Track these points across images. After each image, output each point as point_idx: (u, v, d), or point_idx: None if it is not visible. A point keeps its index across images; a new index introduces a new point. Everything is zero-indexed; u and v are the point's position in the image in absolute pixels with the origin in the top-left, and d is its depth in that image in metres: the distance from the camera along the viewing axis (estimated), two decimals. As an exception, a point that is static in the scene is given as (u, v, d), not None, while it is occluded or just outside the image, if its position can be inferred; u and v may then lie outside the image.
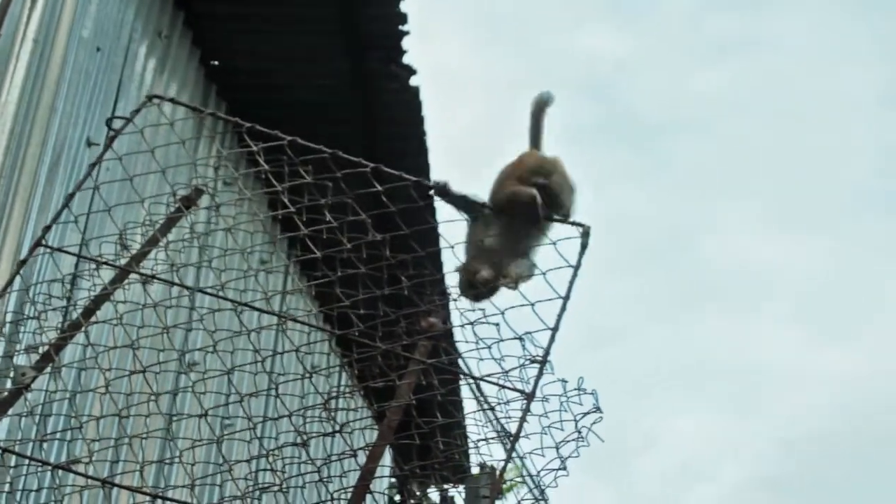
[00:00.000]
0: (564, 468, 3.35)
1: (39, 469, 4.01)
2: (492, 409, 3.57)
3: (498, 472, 3.68)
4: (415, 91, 6.57)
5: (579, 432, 3.42)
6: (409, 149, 6.77)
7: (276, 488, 3.54)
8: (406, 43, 6.41)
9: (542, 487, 3.35)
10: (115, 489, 3.68)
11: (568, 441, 3.41)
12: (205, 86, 6.64)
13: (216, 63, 6.74)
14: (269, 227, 4.48)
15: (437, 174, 6.87)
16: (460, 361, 3.87)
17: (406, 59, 6.51)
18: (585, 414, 3.48)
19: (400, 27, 6.35)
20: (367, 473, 3.54)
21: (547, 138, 4.04)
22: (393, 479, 7.59)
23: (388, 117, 6.75)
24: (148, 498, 3.75)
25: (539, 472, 3.36)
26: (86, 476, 3.62)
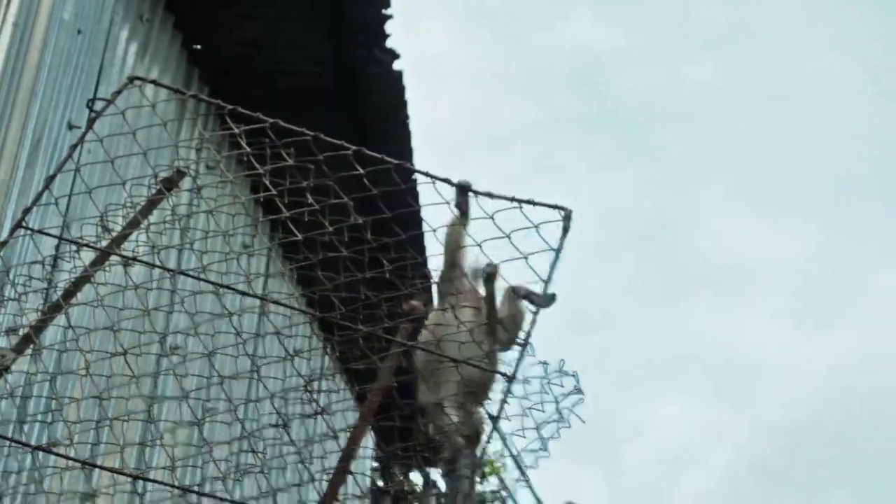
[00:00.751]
0: (545, 449, 3.38)
1: (20, 451, 4.02)
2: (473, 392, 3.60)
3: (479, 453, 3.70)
4: (398, 75, 6.57)
5: (560, 413, 3.46)
6: (392, 133, 6.78)
7: (256, 470, 3.55)
8: (389, 27, 6.40)
9: (524, 468, 3.38)
10: (97, 471, 3.70)
11: (549, 422, 3.45)
12: (187, 70, 6.63)
13: (198, 47, 6.73)
14: (251, 211, 4.48)
15: (420, 160, 6.90)
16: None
17: (389, 44, 6.51)
18: (567, 395, 3.52)
19: (383, 11, 6.35)
20: (348, 455, 3.56)
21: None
22: (375, 464, 7.61)
23: (372, 101, 6.75)
24: (129, 479, 3.76)
25: (519, 452, 3.39)
26: (66, 457, 3.63)
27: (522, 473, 3.50)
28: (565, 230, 3.62)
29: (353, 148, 3.67)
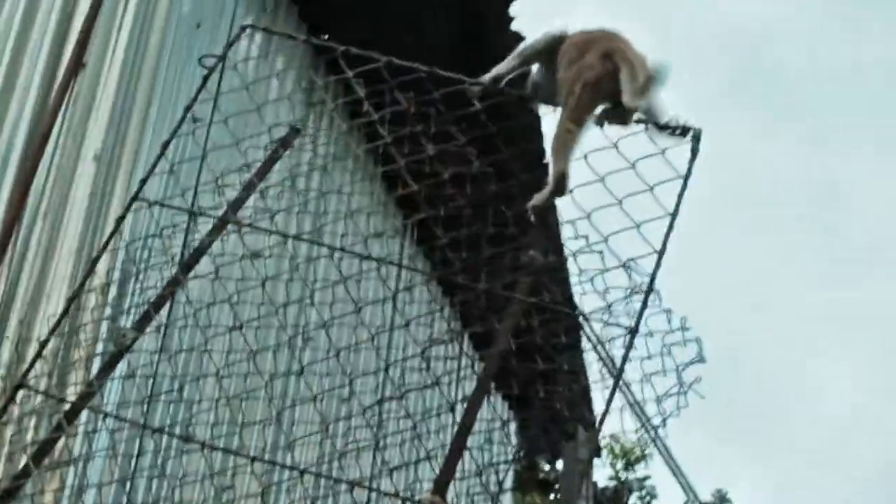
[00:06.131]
0: (664, 424, 3.17)
1: (146, 434, 4.08)
2: (596, 346, 3.41)
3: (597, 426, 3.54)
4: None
5: (681, 385, 3.24)
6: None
7: (372, 447, 3.52)
8: (514, 10, 6.34)
9: (637, 455, 3.21)
10: (217, 452, 3.72)
11: (670, 395, 3.24)
12: (313, 59, 6.70)
13: (326, 37, 6.79)
14: (366, 164, 4.36)
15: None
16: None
17: (515, 27, 6.44)
18: (688, 364, 3.29)
19: (509, -4, 6.30)
20: (465, 429, 3.47)
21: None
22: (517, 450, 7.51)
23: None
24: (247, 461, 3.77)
25: (637, 434, 3.19)
26: (187, 439, 3.66)
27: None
28: (694, 153, 3.34)
29: (470, 81, 3.54)
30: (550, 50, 3.56)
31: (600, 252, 3.24)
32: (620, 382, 3.29)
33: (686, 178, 3.24)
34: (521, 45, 3.65)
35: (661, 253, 3.19)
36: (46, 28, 4.98)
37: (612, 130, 3.40)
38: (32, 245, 4.69)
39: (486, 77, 3.59)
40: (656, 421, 3.27)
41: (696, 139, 3.28)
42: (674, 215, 3.20)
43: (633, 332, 3.17)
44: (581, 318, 3.32)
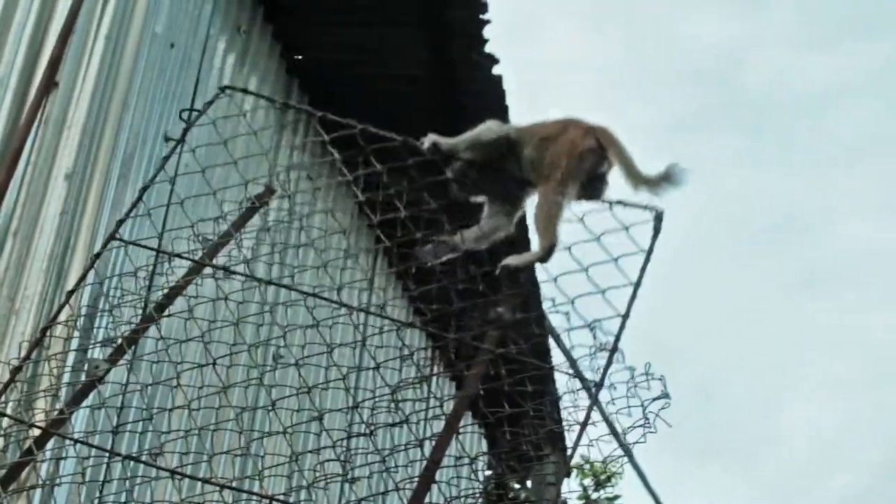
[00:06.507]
0: (629, 453, 3.38)
1: (115, 460, 4.12)
2: (559, 399, 3.59)
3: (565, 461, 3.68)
4: (498, 80, 6.58)
5: (646, 418, 3.44)
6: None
7: (341, 478, 3.59)
8: (488, 32, 6.42)
9: (607, 474, 3.37)
10: (186, 480, 3.77)
11: (635, 426, 3.44)
12: (286, 80, 6.76)
13: (299, 57, 6.84)
14: (350, 219, 4.50)
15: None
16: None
17: (490, 49, 6.52)
18: (654, 399, 3.50)
19: (481, 16, 6.37)
20: (433, 463, 3.57)
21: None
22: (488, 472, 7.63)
23: (472, 107, 6.76)
24: (217, 489, 3.82)
25: (605, 458, 3.40)
26: (156, 466, 3.71)
27: (608, 479, 3.48)
28: (656, 231, 3.63)
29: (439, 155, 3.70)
30: (499, 145, 3.74)
31: (566, 313, 3.52)
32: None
33: (648, 253, 3.51)
34: (477, 130, 3.82)
35: (624, 317, 3.47)
36: (19, 47, 4.99)
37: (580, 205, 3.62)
38: (2, 263, 4.71)
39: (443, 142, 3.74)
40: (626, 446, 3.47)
41: (658, 219, 3.55)
42: (637, 285, 3.48)
43: (598, 385, 3.36)
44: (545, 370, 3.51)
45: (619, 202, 3.72)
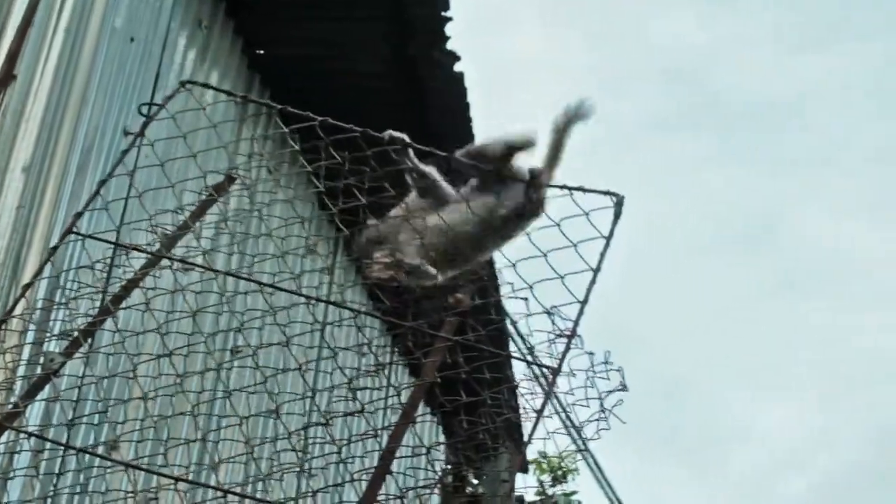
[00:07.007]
0: (586, 448, 3.37)
1: (70, 454, 4.11)
2: (516, 386, 3.57)
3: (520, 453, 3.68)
4: (459, 77, 6.60)
5: (603, 411, 3.42)
6: (455, 135, 6.79)
7: (297, 469, 3.59)
8: (450, 29, 6.44)
9: (564, 469, 3.37)
10: (142, 473, 3.76)
11: (591, 421, 3.42)
12: (248, 75, 6.76)
13: (261, 52, 6.83)
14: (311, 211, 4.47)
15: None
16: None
17: (452, 45, 6.54)
18: (611, 392, 3.47)
19: (443, 13, 6.39)
20: (388, 454, 3.58)
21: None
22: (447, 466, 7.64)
23: (434, 104, 6.79)
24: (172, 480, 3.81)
25: (561, 452, 3.40)
26: (109, 459, 3.71)
27: (564, 475, 3.47)
28: (616, 216, 3.58)
29: (400, 145, 3.71)
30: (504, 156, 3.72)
31: (525, 299, 3.46)
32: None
33: (609, 238, 3.48)
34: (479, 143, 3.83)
35: (583, 303, 3.42)
36: (-24, 40, 4.97)
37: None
38: (-42, 256, 4.69)
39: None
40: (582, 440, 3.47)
41: (619, 204, 3.52)
42: (596, 270, 3.44)
43: (555, 372, 3.33)
44: (503, 357, 3.50)
45: (580, 188, 3.71)
